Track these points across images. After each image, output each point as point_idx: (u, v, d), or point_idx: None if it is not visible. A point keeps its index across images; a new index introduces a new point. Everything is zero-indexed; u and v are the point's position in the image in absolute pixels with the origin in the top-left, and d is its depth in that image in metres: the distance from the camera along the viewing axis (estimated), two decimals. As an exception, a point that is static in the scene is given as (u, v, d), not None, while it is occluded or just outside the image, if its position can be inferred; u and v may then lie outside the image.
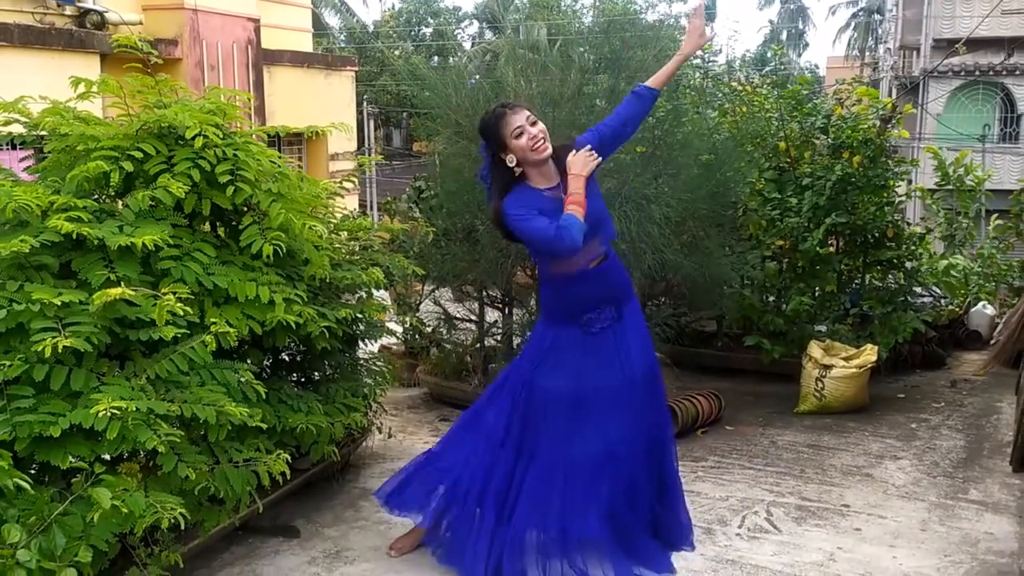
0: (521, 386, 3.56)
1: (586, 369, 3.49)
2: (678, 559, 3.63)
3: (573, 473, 3.44)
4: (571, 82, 5.35)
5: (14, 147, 4.04)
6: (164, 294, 2.93)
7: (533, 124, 3.36)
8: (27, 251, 2.92)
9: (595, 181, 3.45)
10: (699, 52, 8.69)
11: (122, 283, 2.95)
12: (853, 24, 46.45)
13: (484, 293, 5.89)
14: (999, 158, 20.37)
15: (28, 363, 2.79)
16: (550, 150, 3.40)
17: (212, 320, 3.13)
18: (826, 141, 6.60)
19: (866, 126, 6.49)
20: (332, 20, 34.92)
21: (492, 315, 6.00)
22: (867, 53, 43.22)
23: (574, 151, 3.39)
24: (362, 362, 4.48)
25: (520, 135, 3.34)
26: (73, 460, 2.74)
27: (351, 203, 8.07)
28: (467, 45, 37.19)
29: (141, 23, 8.83)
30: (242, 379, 3.21)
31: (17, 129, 3.61)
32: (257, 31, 9.95)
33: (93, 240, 3.05)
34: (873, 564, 3.61)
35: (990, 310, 7.75)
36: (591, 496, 3.42)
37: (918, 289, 7.11)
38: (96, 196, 3.43)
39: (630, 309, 3.57)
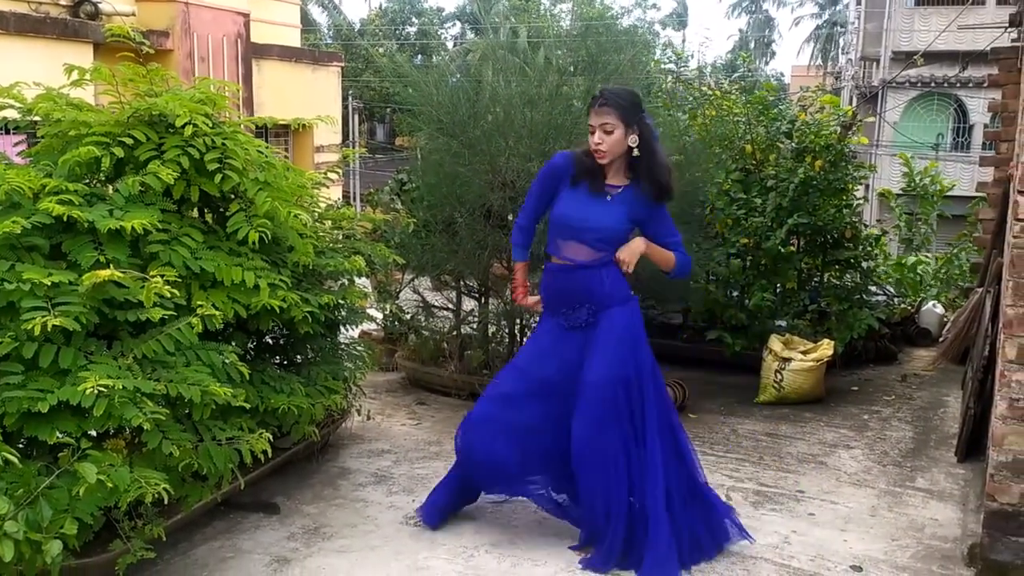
0: None
1: (549, 358, 3.54)
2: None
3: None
4: (549, 83, 5.33)
5: (8, 131, 3.98)
6: (152, 277, 2.90)
7: (607, 133, 3.35)
8: (19, 232, 2.88)
9: (602, 198, 3.47)
10: (672, 57, 8.63)
11: (111, 265, 2.92)
12: (817, 35, 46.74)
13: (461, 283, 5.88)
14: (951, 166, 20.55)
15: (18, 341, 2.75)
16: (607, 160, 3.42)
17: (198, 303, 3.10)
18: (790, 145, 6.64)
19: (828, 132, 6.53)
20: (319, 17, 34.67)
21: (469, 304, 5.99)
22: (830, 63, 43.48)
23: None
24: (343, 346, 4.46)
25: (591, 132, 3.41)
26: (60, 436, 2.71)
27: (335, 193, 8.03)
28: (449, 45, 37.04)
29: (134, 14, 8.73)
30: (227, 360, 3.18)
31: (11, 114, 3.55)
32: (247, 25, 9.86)
33: (83, 223, 3.01)
34: (825, 547, 3.65)
35: (939, 309, 7.83)
36: None
37: (873, 288, 7.18)
38: (87, 180, 3.38)
39: (607, 316, 3.49)
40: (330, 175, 4.69)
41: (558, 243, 3.52)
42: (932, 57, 18.83)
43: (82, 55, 7.78)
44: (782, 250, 6.21)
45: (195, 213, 3.62)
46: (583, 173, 3.47)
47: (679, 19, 45.10)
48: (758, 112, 6.82)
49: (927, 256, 9.10)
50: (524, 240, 3.70)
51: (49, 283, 2.79)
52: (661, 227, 3.59)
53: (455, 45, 36.22)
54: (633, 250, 3.49)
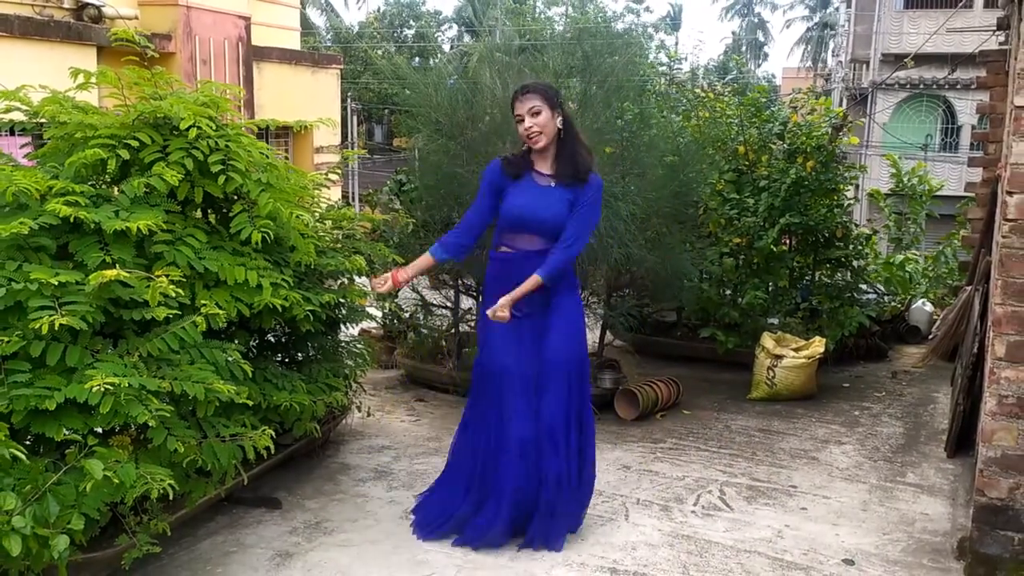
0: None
1: (506, 347, 3.53)
2: (636, 533, 3.67)
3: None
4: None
5: (14, 134, 3.98)
6: (157, 276, 2.91)
7: (535, 115, 3.42)
8: (26, 233, 2.88)
9: (557, 189, 3.50)
10: (665, 60, 8.62)
11: (117, 265, 2.92)
12: (808, 37, 46.81)
13: (459, 282, 5.89)
14: (940, 166, 20.59)
15: (26, 339, 2.76)
16: (543, 142, 3.46)
17: (202, 302, 3.11)
18: (782, 146, 6.66)
19: (819, 133, 6.55)
20: (318, 20, 34.63)
21: (467, 302, 6.00)
22: (820, 65, 43.52)
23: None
24: (343, 344, 4.47)
25: (519, 122, 3.47)
26: (67, 432, 2.71)
27: (335, 194, 8.02)
28: (447, 47, 37.00)
29: (136, 18, 8.70)
30: (230, 358, 3.19)
31: (18, 116, 3.55)
32: (248, 28, 9.84)
33: (90, 224, 3.01)
34: (817, 541, 3.66)
35: (929, 307, 7.85)
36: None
37: (864, 286, 7.20)
38: (93, 182, 3.38)
39: (560, 302, 3.56)
40: (330, 176, 4.70)
41: (508, 235, 3.56)
42: (921, 59, 18.83)
43: (86, 58, 7.75)
44: (774, 249, 6.23)
45: (199, 214, 3.63)
46: (517, 169, 3.52)
47: (672, 21, 45.15)
48: (751, 114, 6.83)
49: (915, 255, 9.13)
50: (452, 253, 3.66)
51: (56, 283, 2.79)
52: (571, 221, 3.50)
53: (452, 48, 36.19)
54: (502, 311, 3.46)
